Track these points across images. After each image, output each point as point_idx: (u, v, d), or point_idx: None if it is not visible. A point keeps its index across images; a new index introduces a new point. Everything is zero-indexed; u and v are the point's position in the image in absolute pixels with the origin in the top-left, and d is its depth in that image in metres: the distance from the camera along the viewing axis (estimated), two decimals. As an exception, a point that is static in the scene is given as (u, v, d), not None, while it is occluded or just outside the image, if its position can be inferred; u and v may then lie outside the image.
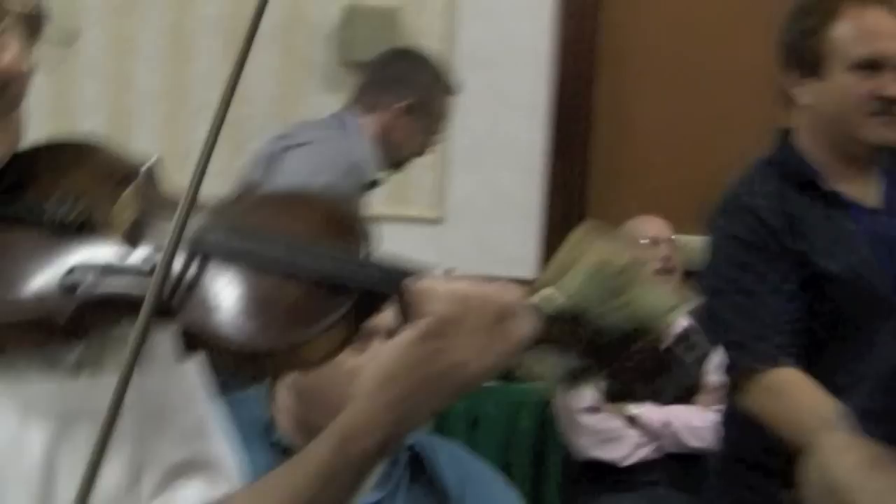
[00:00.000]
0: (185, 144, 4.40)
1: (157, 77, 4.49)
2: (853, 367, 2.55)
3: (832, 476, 1.90)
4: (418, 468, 2.50)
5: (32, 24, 1.48)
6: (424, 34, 4.54)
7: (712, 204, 2.89)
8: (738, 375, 2.75)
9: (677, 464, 4.37)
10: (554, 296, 1.47)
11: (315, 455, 1.50)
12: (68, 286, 1.43)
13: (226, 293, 1.44)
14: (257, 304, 1.44)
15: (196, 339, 1.43)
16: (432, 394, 1.47)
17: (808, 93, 2.84)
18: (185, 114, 4.53)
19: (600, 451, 4.31)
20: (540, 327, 1.46)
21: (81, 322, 1.43)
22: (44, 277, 1.44)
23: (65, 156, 1.55)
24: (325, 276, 1.44)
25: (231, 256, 1.46)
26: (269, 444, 2.38)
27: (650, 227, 4.57)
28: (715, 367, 3.58)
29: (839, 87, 2.79)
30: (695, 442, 4.30)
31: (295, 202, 1.60)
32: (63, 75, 4.45)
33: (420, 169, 4.48)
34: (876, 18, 2.81)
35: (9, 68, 1.43)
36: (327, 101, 4.56)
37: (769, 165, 2.87)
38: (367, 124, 4.05)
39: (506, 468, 4.03)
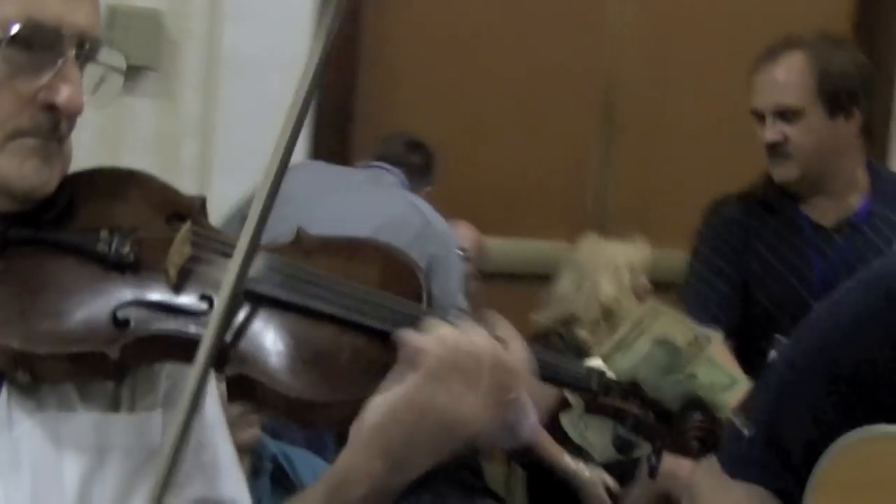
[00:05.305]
0: None
1: None
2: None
3: None
4: (282, 476, 2.65)
5: (87, 54, 1.47)
6: (189, 36, 4.43)
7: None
8: None
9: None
10: (613, 367, 1.48)
11: (311, 499, 1.50)
12: (121, 321, 1.37)
13: (284, 341, 1.40)
14: (317, 354, 1.40)
15: (250, 386, 1.36)
16: (428, 444, 1.45)
17: None
18: None
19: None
20: (596, 397, 1.49)
21: (130, 358, 1.38)
22: (94, 310, 1.38)
23: (115, 185, 1.49)
24: (384, 329, 1.41)
25: (289, 305, 1.41)
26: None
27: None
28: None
29: None
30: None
31: (352, 249, 1.55)
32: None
33: (182, 175, 4.35)
34: None
35: (70, 102, 1.43)
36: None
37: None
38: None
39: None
